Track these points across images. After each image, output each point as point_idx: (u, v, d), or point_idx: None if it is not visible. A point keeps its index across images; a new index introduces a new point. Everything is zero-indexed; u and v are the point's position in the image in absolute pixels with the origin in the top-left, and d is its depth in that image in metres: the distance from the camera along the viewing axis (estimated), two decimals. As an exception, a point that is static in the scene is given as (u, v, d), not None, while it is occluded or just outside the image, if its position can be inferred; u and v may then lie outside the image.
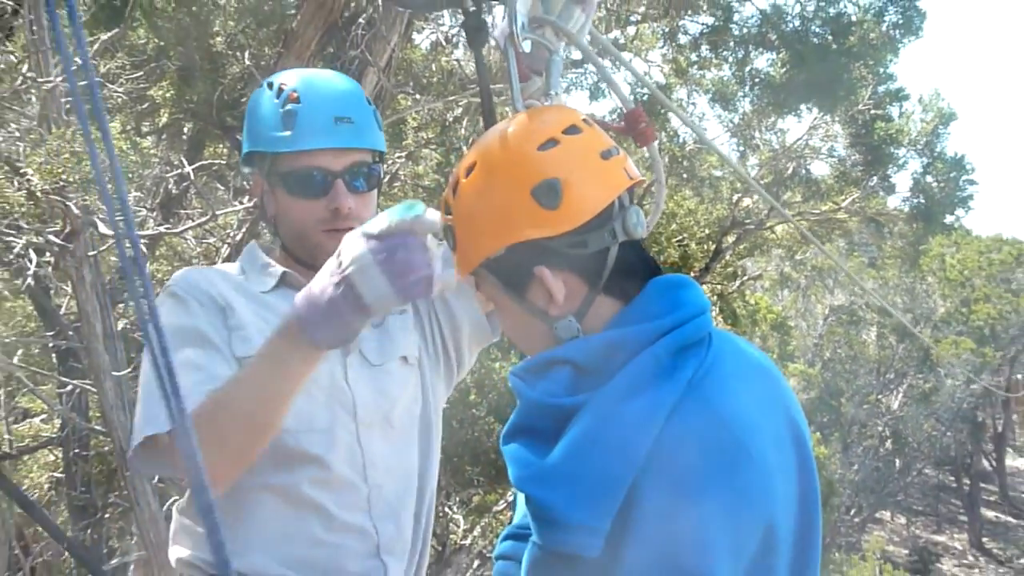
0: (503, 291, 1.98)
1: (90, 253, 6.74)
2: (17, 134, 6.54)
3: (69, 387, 8.37)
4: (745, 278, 15.12)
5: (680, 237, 12.53)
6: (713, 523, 1.73)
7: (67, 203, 6.32)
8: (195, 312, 2.51)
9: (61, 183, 6.09)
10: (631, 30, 11.68)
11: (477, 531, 9.40)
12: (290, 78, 2.58)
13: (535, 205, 1.86)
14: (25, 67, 6.93)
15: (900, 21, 11.30)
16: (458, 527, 9.45)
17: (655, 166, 2.67)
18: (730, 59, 11.92)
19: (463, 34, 2.50)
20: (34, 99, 6.98)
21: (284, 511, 2.53)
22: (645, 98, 11.45)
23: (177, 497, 2.70)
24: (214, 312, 2.53)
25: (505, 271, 1.94)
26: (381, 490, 2.64)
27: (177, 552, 2.61)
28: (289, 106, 2.48)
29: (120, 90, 7.98)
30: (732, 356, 1.94)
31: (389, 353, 2.73)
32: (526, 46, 2.32)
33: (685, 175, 13.02)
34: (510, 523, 2.55)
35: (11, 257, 7.02)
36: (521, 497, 2.13)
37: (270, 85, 2.57)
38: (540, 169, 1.88)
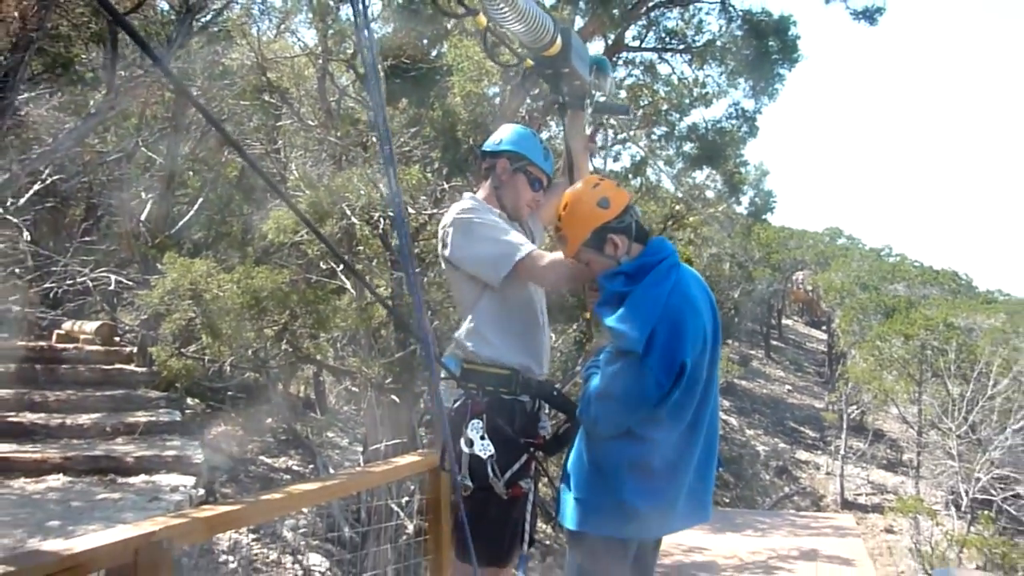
0: (593, 253, 1.76)
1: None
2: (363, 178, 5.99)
3: (395, 276, 7.91)
4: (675, 242, 14.01)
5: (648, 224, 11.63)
6: (685, 335, 1.66)
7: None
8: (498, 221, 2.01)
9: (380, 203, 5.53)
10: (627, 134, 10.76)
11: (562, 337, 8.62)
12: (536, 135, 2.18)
13: (600, 209, 1.75)
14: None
15: (747, 129, 10.14)
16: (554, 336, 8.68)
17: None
18: (673, 146, 10.88)
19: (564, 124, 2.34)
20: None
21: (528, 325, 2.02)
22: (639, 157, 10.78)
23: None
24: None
25: (593, 243, 1.75)
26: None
27: (475, 345, 1.92)
28: (543, 146, 2.11)
29: (415, 153, 7.37)
30: (687, 272, 1.80)
31: None
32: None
33: (652, 196, 11.96)
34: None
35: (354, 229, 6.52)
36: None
37: (534, 134, 2.16)
38: (597, 195, 1.77)
